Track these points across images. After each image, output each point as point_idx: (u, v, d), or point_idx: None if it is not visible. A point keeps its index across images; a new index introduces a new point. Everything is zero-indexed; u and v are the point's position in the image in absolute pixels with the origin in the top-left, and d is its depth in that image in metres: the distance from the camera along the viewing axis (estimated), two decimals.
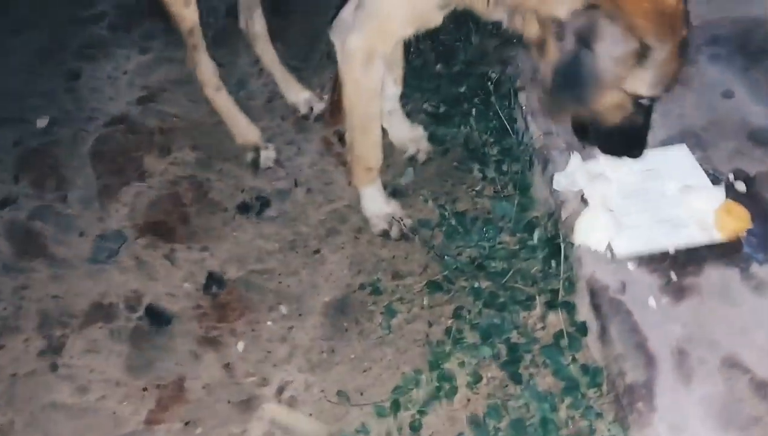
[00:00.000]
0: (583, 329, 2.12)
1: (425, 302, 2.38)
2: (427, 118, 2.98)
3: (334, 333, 2.36)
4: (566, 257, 2.20)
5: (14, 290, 2.54)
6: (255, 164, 2.89)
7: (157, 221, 2.71)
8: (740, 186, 2.26)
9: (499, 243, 2.44)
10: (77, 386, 2.27)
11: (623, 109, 1.98)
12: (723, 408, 1.78)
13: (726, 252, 2.10)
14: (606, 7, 1.75)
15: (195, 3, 2.63)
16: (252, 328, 2.40)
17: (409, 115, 2.93)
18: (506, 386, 2.12)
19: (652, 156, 2.35)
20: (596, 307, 2.02)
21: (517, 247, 2.40)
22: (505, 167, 2.68)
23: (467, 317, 2.29)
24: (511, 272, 2.32)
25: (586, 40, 1.78)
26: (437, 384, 2.13)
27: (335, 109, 3.12)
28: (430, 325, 2.32)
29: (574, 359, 2.09)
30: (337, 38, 2.26)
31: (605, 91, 1.88)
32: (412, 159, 2.85)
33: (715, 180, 2.28)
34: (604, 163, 2.31)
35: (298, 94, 3.12)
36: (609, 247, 2.12)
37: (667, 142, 2.42)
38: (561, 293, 2.19)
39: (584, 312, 2.13)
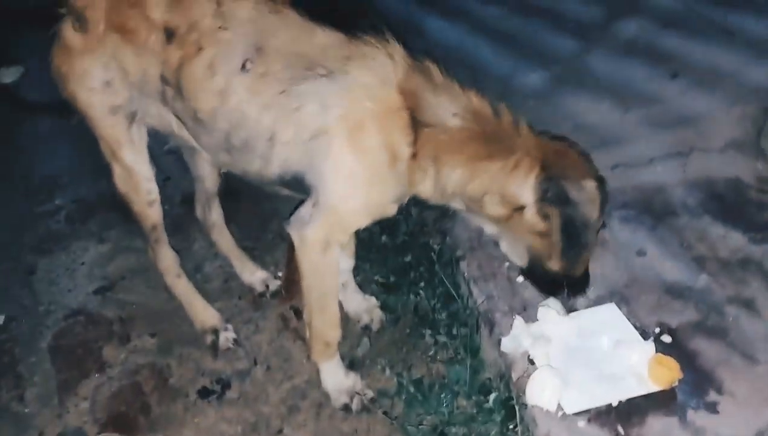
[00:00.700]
0: None
1: None
2: (377, 288, 3.18)
3: None
4: (522, 419, 2.33)
5: None
6: (214, 346, 2.98)
7: (118, 413, 2.72)
8: (666, 338, 2.50)
9: (457, 408, 2.56)
10: None
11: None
12: None
13: (663, 401, 2.29)
14: (558, 174, 2.20)
15: (158, 203, 2.81)
16: None
17: (361, 286, 3.12)
18: None
19: (584, 315, 2.61)
20: None
21: (475, 410, 2.53)
22: (454, 331, 2.86)
23: None
24: None
25: (565, 201, 2.19)
26: None
27: (290, 285, 3.29)
28: None
29: None
30: (295, 231, 2.42)
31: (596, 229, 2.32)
32: (367, 328, 3.01)
33: (643, 334, 2.51)
34: (543, 325, 2.53)
35: (254, 274, 3.29)
36: (559, 405, 2.27)
37: (596, 301, 2.68)
38: None
39: None
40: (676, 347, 2.46)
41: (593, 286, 2.72)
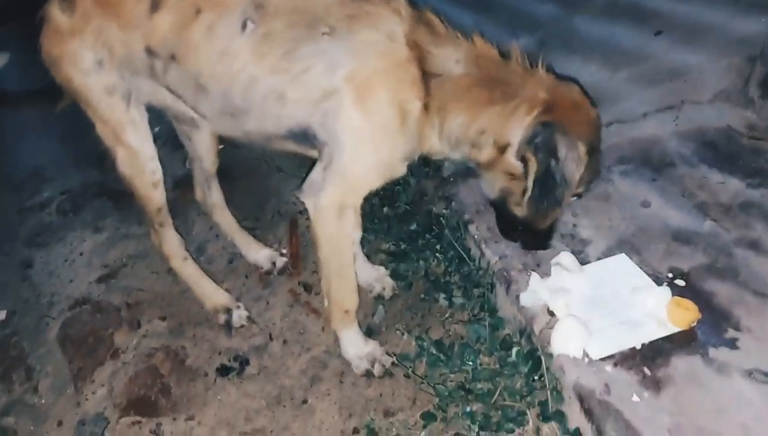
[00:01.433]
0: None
1: (422, 435, 2.44)
2: (386, 258, 3.18)
3: None
4: (548, 369, 2.37)
5: None
6: (228, 325, 2.95)
7: (138, 397, 2.68)
8: (679, 282, 2.55)
9: (480, 365, 2.58)
10: None
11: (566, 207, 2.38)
12: None
13: (685, 341, 2.34)
14: (557, 122, 2.16)
15: (162, 184, 2.76)
16: None
17: (368, 256, 3.12)
18: None
19: (598, 267, 2.65)
20: (588, 411, 2.17)
21: (498, 366, 2.55)
22: (469, 293, 2.88)
23: None
24: (498, 390, 2.45)
25: (551, 151, 2.16)
26: None
27: (296, 260, 3.27)
28: None
29: None
30: (309, 198, 2.40)
31: (571, 192, 2.26)
32: (380, 297, 3.01)
33: (657, 280, 2.57)
34: (560, 277, 2.56)
35: (259, 252, 3.26)
36: (585, 352, 2.31)
37: (607, 252, 2.73)
38: (551, 403, 2.33)
39: (575, 419, 2.27)
40: (690, 290, 2.51)
41: (602, 239, 2.79)
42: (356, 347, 2.71)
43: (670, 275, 2.59)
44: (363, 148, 2.30)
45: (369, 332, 2.84)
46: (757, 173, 3.05)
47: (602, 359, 2.30)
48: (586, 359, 2.31)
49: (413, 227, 3.27)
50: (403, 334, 2.82)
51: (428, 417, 2.47)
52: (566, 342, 2.33)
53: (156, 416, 2.62)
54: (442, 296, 2.92)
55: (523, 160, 2.23)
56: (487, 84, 2.23)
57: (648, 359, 2.29)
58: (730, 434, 2.03)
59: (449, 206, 3.20)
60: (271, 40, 2.23)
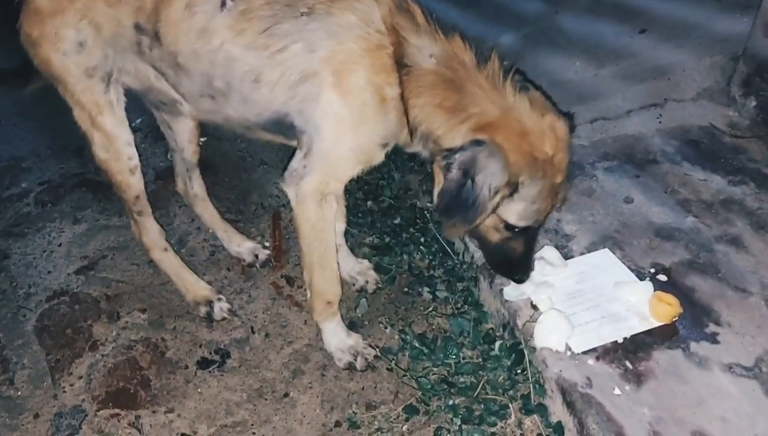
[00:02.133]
0: (559, 429, 2.25)
1: (404, 429, 2.44)
2: (369, 251, 3.16)
3: None
4: (530, 362, 2.37)
5: None
6: (209, 317, 2.91)
7: (117, 389, 2.64)
8: (661, 277, 2.57)
9: (463, 358, 2.58)
10: None
11: (498, 231, 2.30)
12: None
13: (665, 336, 2.36)
14: (490, 143, 2.07)
15: (140, 170, 2.72)
16: None
17: (352, 250, 3.11)
18: None
19: (581, 261, 2.66)
20: (570, 404, 2.18)
21: (481, 359, 2.55)
22: (452, 286, 2.88)
23: None
24: (481, 384, 2.45)
25: (468, 170, 2.08)
26: None
27: (279, 253, 3.25)
28: None
29: None
30: (290, 186, 2.38)
31: (486, 215, 2.16)
32: (363, 290, 3.00)
33: (639, 275, 2.58)
34: (543, 273, 2.57)
35: (241, 245, 3.23)
36: (567, 346, 2.32)
37: (590, 247, 2.74)
38: (533, 397, 2.33)
39: (557, 412, 2.28)
40: (671, 285, 2.53)
41: (585, 234, 2.80)
42: (339, 339, 2.69)
43: (652, 271, 2.61)
44: (342, 133, 2.28)
45: (352, 326, 2.83)
46: (738, 171, 3.09)
47: (584, 353, 2.31)
48: (569, 353, 2.31)
49: (397, 220, 3.26)
50: (386, 327, 2.81)
51: (411, 410, 2.46)
52: (549, 335, 2.33)
53: (135, 409, 2.58)
54: (426, 289, 2.92)
55: (446, 168, 2.14)
56: (449, 87, 2.17)
57: (630, 353, 2.30)
58: (710, 426, 2.05)
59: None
60: (249, 17, 2.22)
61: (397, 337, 2.76)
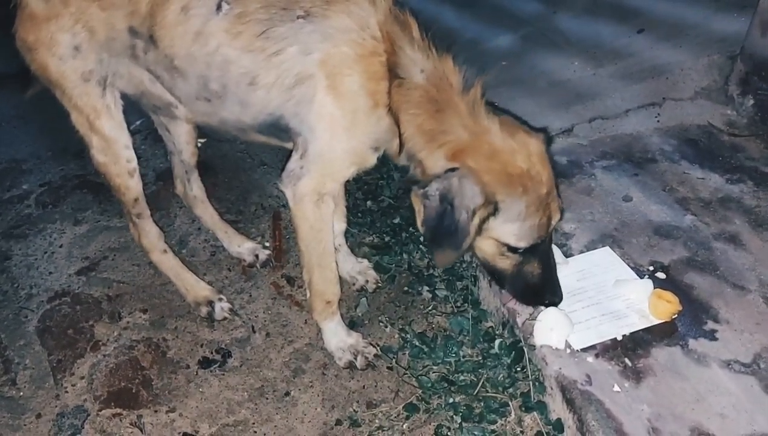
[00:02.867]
0: (559, 426, 2.26)
1: (405, 427, 2.45)
2: (369, 251, 3.18)
3: None
4: (530, 360, 2.38)
5: None
6: (210, 317, 2.92)
7: (119, 389, 2.64)
8: (660, 275, 2.58)
9: (463, 357, 2.59)
10: None
11: (506, 257, 2.27)
12: None
13: (664, 333, 2.37)
14: (462, 168, 2.10)
15: (138, 173, 2.73)
16: None
17: (352, 249, 3.12)
18: None
19: (582, 259, 2.67)
20: (569, 401, 2.19)
21: (481, 358, 2.56)
22: (452, 285, 2.89)
23: (448, 434, 2.38)
24: (481, 382, 2.47)
25: (446, 196, 2.11)
26: None
27: (280, 253, 3.26)
28: None
29: None
30: (288, 187, 2.40)
31: (471, 239, 2.16)
32: (363, 290, 3.01)
33: (638, 273, 2.59)
34: None
35: (241, 245, 3.24)
36: (567, 343, 2.33)
37: (589, 245, 2.75)
38: (533, 394, 2.34)
39: (557, 409, 2.29)
40: (670, 283, 2.54)
41: (584, 232, 2.81)
42: (339, 338, 2.70)
43: (651, 268, 2.62)
44: (336, 134, 2.29)
45: (352, 325, 2.84)
46: (736, 169, 3.10)
47: (584, 350, 2.32)
48: (568, 350, 2.33)
49: (397, 220, 3.28)
50: (386, 326, 2.83)
51: (411, 409, 2.47)
52: (549, 333, 2.34)
53: (137, 408, 2.58)
54: (426, 288, 2.93)
55: (425, 197, 2.17)
56: (432, 108, 2.19)
57: (629, 350, 2.31)
58: (708, 422, 2.06)
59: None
60: (246, 20, 2.23)
61: (397, 336, 2.77)
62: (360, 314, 2.90)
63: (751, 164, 3.12)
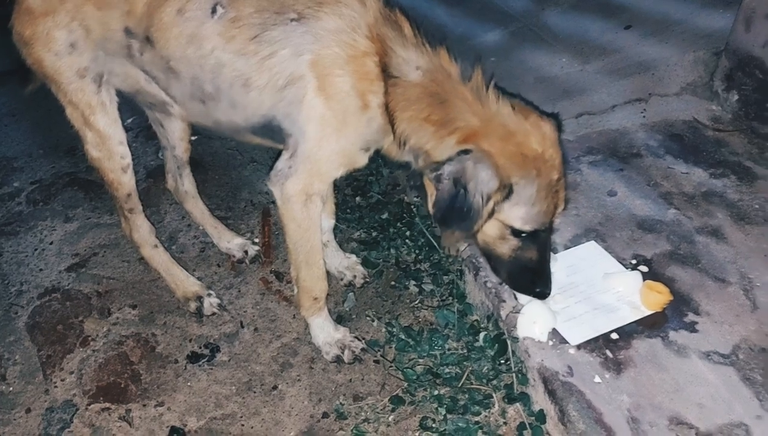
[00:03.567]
0: (541, 417, 2.30)
1: (390, 419, 2.48)
2: (357, 246, 3.20)
3: None
4: (513, 352, 2.41)
5: None
6: (199, 313, 2.95)
7: (108, 383, 2.67)
8: (643, 268, 2.61)
9: (448, 349, 2.62)
10: None
11: (507, 241, 2.26)
12: None
13: (646, 325, 2.40)
14: (476, 151, 2.08)
15: (132, 168, 2.75)
16: None
17: (340, 245, 3.14)
18: None
19: (569, 254, 2.70)
20: (551, 392, 2.22)
21: (466, 350, 2.59)
22: (438, 279, 2.92)
23: (433, 426, 2.41)
24: (465, 374, 2.50)
25: (459, 180, 2.09)
26: None
27: (268, 249, 3.28)
28: None
29: None
30: (275, 186, 2.42)
31: (482, 221, 2.15)
32: (350, 285, 3.04)
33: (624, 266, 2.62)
34: None
35: (231, 241, 3.27)
36: (549, 336, 2.36)
37: (574, 239, 2.78)
38: (516, 386, 2.37)
39: (539, 400, 2.32)
40: (652, 276, 2.58)
41: (569, 227, 2.84)
42: (326, 333, 2.73)
43: (634, 262, 2.66)
44: (325, 135, 2.30)
45: (340, 319, 2.87)
46: (720, 164, 3.13)
47: (565, 342, 2.35)
48: (550, 342, 2.36)
49: (384, 215, 3.31)
50: (373, 320, 2.86)
51: (397, 401, 2.50)
52: (532, 326, 2.38)
53: (125, 403, 2.61)
54: (413, 282, 2.96)
55: (437, 180, 2.15)
56: (435, 100, 2.18)
57: (610, 342, 2.35)
58: (687, 412, 2.09)
59: (420, 196, 3.23)
60: (239, 24, 2.25)
61: (384, 330, 2.80)
62: (347, 309, 2.93)
63: (735, 159, 3.15)
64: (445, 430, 2.37)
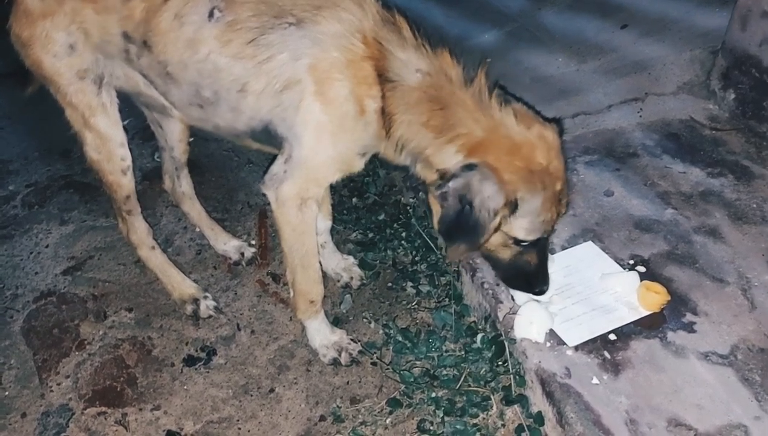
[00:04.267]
0: (540, 419, 2.29)
1: (388, 421, 2.47)
2: (354, 248, 3.19)
3: None
4: (511, 353, 2.40)
5: None
6: (196, 315, 2.94)
7: (104, 387, 2.66)
8: (640, 268, 2.61)
9: (446, 351, 2.61)
10: None
11: (509, 248, 2.28)
12: None
13: (645, 325, 2.39)
14: (481, 166, 2.05)
15: (131, 171, 2.74)
16: None
17: (337, 246, 3.13)
18: None
19: (566, 255, 2.69)
20: (549, 394, 2.21)
21: (463, 352, 2.58)
22: (435, 281, 2.91)
23: (431, 428, 2.40)
24: (463, 376, 2.49)
25: (464, 196, 2.07)
26: None
27: (265, 251, 3.27)
28: None
29: None
30: (270, 190, 2.39)
31: (488, 236, 2.15)
32: (347, 286, 3.03)
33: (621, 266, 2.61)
34: None
35: (227, 243, 3.25)
36: (547, 337, 2.35)
37: (571, 240, 2.77)
38: (514, 388, 2.37)
39: (537, 402, 2.31)
40: (650, 276, 2.57)
41: (566, 227, 2.83)
42: (323, 336, 2.72)
43: (632, 262, 2.65)
44: (321, 140, 2.28)
45: (336, 321, 2.85)
46: (717, 163, 3.12)
47: (563, 344, 2.34)
48: (548, 344, 2.35)
49: (381, 217, 3.30)
50: (370, 322, 2.85)
51: (394, 404, 2.49)
52: (529, 327, 2.37)
53: (121, 407, 2.60)
54: (409, 284, 2.95)
55: (442, 197, 2.13)
56: (435, 105, 2.15)
57: (608, 343, 2.34)
58: (685, 413, 2.09)
59: (417, 196, 3.22)
60: (237, 28, 2.23)
61: (381, 332, 2.80)
62: (344, 311, 2.92)
63: (732, 158, 3.14)
64: (443, 432, 2.37)
